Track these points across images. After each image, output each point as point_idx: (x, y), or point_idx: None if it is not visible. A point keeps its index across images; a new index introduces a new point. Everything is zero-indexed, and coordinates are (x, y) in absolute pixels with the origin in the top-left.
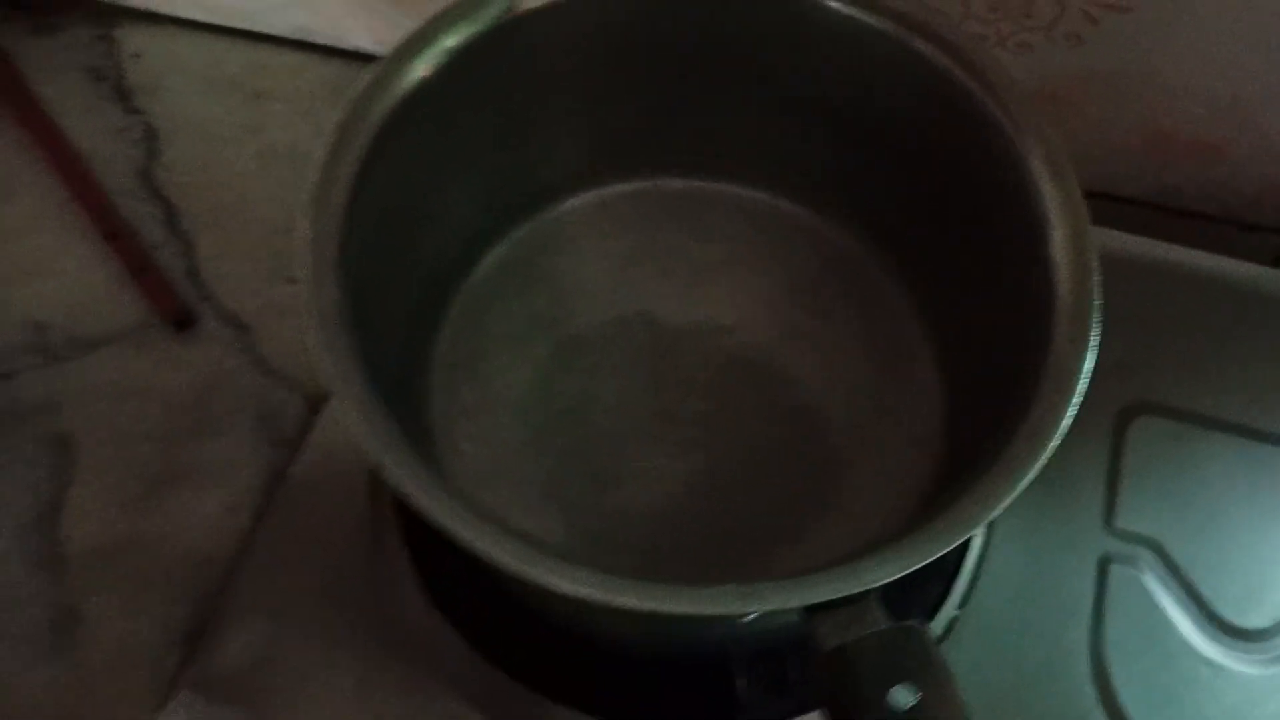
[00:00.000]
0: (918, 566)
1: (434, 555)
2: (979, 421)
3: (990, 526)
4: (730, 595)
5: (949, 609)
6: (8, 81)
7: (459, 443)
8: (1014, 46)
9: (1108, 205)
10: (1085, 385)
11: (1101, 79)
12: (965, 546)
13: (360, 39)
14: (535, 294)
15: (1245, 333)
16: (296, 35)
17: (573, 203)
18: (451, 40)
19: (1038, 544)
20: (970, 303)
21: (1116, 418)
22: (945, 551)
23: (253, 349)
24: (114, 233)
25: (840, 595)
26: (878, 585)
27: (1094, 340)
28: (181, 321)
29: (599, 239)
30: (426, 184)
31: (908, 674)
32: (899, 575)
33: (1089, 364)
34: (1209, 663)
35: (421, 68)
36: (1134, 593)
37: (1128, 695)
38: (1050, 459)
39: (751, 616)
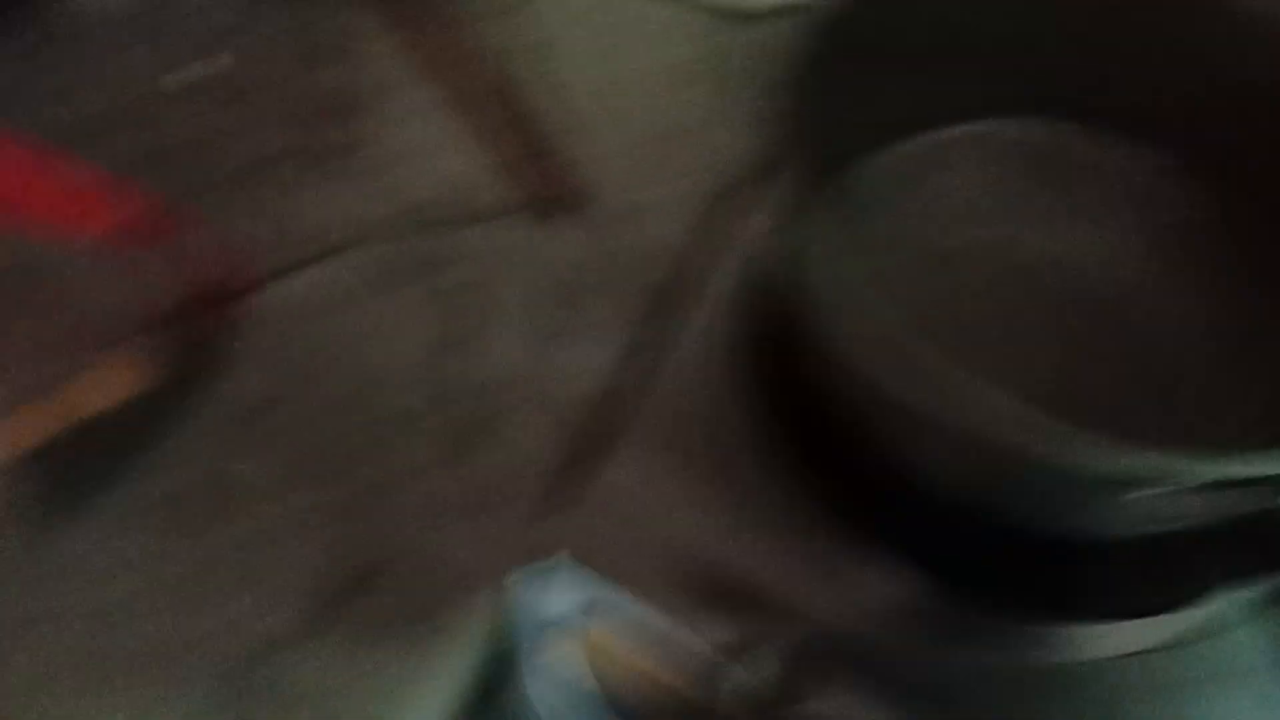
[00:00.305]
0: None
1: (790, 413)
2: None
3: None
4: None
5: None
6: None
7: None
8: None
9: None
10: None
11: None
12: None
13: None
14: (905, 207)
15: None
16: None
17: (955, 130)
18: None
19: None
20: None
21: None
22: None
23: (622, 237)
24: (500, 124)
25: None
26: None
27: None
28: (560, 207)
29: (973, 168)
30: (836, 101)
31: None
32: None
33: None
34: None
35: None
36: None
37: None
38: None
39: (1184, 486)
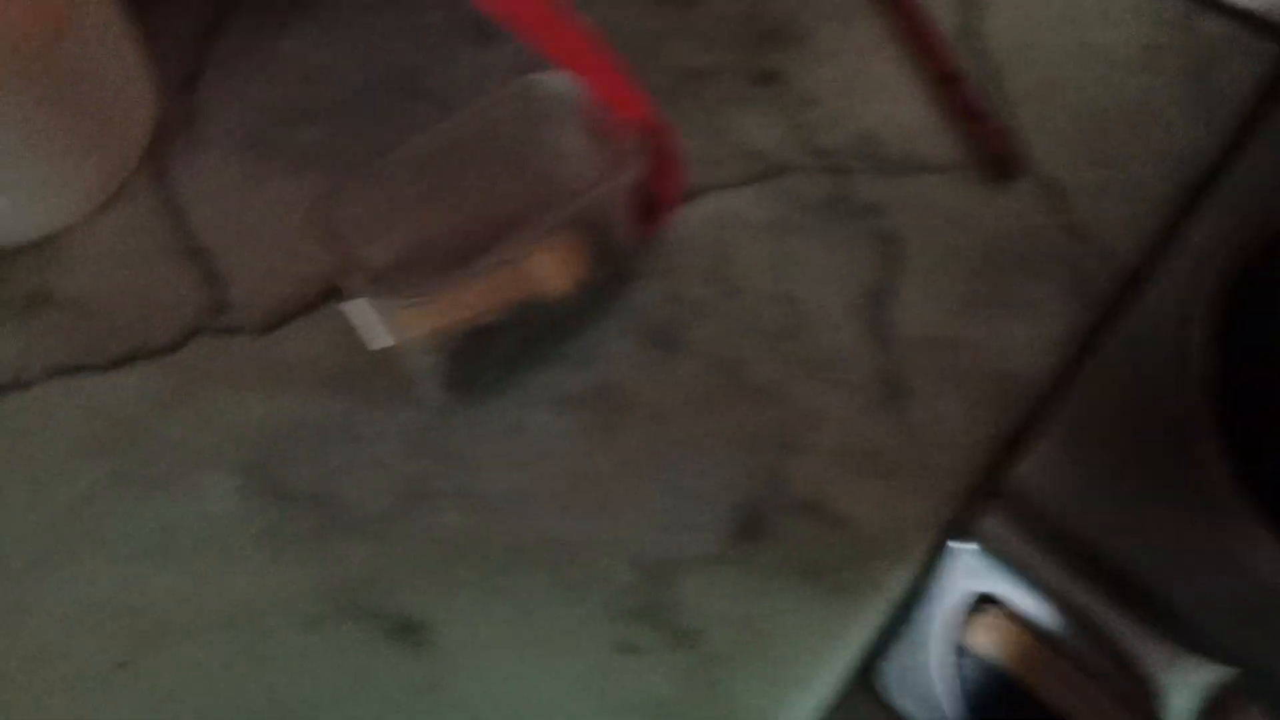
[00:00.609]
0: None
1: (1246, 418)
2: None
3: None
4: None
5: None
6: None
7: None
8: None
9: None
10: None
11: None
12: None
13: None
14: None
15: None
16: None
17: None
18: None
19: None
20: None
21: None
22: None
23: (1065, 213)
24: (948, 76)
25: None
26: None
27: None
28: (1003, 170)
29: None
30: None
31: None
32: None
33: None
34: None
35: None
36: None
37: None
38: None
39: None
